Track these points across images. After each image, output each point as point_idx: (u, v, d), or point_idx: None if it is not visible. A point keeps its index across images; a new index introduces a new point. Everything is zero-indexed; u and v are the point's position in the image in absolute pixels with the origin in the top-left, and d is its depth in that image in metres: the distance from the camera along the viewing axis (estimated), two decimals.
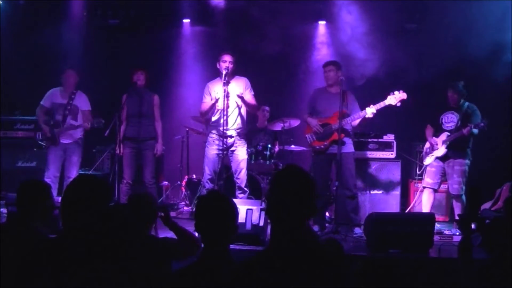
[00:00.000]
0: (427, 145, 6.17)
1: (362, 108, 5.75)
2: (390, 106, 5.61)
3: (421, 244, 4.89)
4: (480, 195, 5.35)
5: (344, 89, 5.76)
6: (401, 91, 5.58)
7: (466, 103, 5.97)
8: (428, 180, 6.07)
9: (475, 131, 5.70)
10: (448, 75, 6.42)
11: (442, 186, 6.22)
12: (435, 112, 6.11)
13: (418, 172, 6.43)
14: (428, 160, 6.10)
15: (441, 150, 5.93)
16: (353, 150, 5.90)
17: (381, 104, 5.59)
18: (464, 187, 5.89)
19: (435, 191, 6.08)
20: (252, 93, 5.92)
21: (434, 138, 6.05)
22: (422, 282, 4.48)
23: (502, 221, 4.98)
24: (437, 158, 5.99)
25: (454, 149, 5.89)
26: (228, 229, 2.33)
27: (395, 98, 5.58)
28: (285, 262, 2.00)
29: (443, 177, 6.06)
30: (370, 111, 5.59)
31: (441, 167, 6.01)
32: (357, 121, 5.73)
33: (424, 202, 6.07)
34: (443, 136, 5.96)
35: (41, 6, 7.82)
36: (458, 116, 5.93)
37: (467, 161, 5.93)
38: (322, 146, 5.80)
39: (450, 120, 6.00)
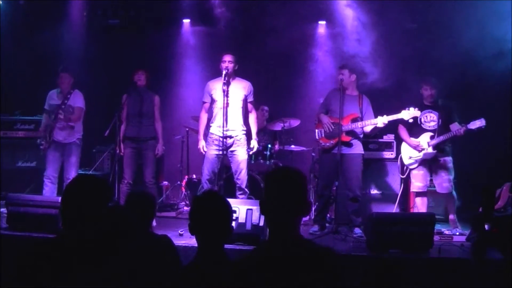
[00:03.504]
0: (404, 146, 6.04)
1: (375, 112, 5.79)
2: (402, 120, 5.62)
3: (421, 244, 4.88)
4: (494, 195, 5.34)
5: (360, 92, 5.86)
6: (416, 109, 5.59)
7: (440, 100, 5.89)
8: (418, 184, 5.97)
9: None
10: (448, 75, 6.41)
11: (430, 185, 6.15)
12: None
13: (402, 176, 6.28)
14: (413, 164, 5.97)
15: (429, 153, 5.83)
16: (362, 152, 5.88)
17: (393, 117, 5.62)
18: (452, 184, 5.88)
19: (425, 194, 6.02)
20: (251, 99, 5.94)
21: (414, 139, 5.92)
22: (422, 282, 4.48)
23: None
24: (423, 160, 5.90)
25: (439, 149, 5.83)
26: (223, 230, 2.33)
27: (408, 113, 5.59)
28: (278, 260, 2.01)
29: (430, 176, 5.99)
30: (381, 121, 5.60)
31: (428, 168, 5.94)
32: (370, 128, 5.74)
33: (419, 206, 6.00)
34: (426, 137, 5.86)
35: (41, 6, 7.82)
36: (437, 114, 5.86)
37: (451, 158, 5.89)
38: (328, 144, 5.81)
39: (430, 119, 5.89)
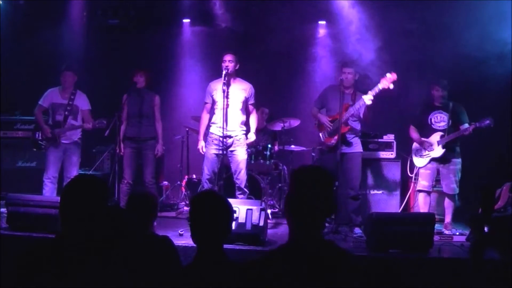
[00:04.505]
0: (415, 146, 6.07)
1: (376, 112, 5.82)
2: (384, 89, 5.60)
3: (421, 244, 4.89)
4: (493, 195, 5.33)
5: (355, 90, 5.86)
6: (392, 73, 5.57)
7: (451, 103, 5.92)
8: (423, 182, 5.98)
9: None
10: (449, 75, 6.41)
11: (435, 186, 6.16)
12: (420, 112, 6.06)
13: (410, 175, 6.30)
14: (422, 162, 5.99)
15: (438, 151, 5.84)
16: (361, 150, 5.91)
17: (375, 90, 5.59)
18: (458, 186, 5.89)
19: (429, 193, 6.04)
20: (252, 101, 5.95)
21: (425, 139, 5.95)
22: (422, 282, 4.48)
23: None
24: (432, 159, 5.92)
25: (449, 149, 5.85)
26: (221, 230, 2.31)
27: (387, 80, 5.57)
28: (302, 260, 2.00)
29: (436, 177, 6.01)
30: (367, 98, 5.59)
31: (435, 168, 5.95)
32: (362, 110, 5.72)
33: (421, 205, 6.01)
34: (436, 136, 5.89)
35: (41, 6, 7.82)
36: (447, 115, 5.88)
37: (460, 160, 5.92)
38: (333, 141, 5.81)
39: (440, 119, 5.93)
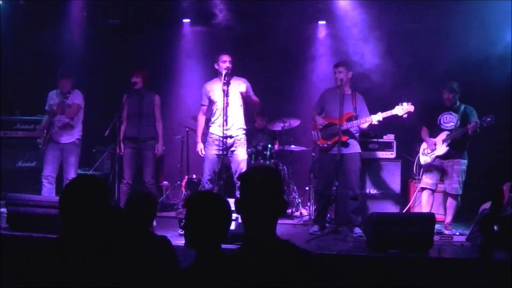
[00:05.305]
0: (424, 145, 6.13)
1: (370, 109, 5.80)
2: (396, 116, 5.64)
3: (421, 244, 4.88)
4: (502, 196, 5.33)
5: (353, 90, 5.87)
6: (409, 104, 5.62)
7: (463, 105, 5.96)
8: (427, 180, 6.03)
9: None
10: (449, 75, 6.42)
11: (439, 186, 6.19)
12: (431, 113, 6.09)
13: (415, 173, 6.37)
14: (427, 160, 6.05)
15: (442, 149, 5.90)
16: (360, 151, 5.91)
17: (388, 113, 5.64)
18: (462, 187, 5.90)
19: (433, 191, 6.07)
20: (251, 93, 5.93)
21: (432, 138, 6.02)
22: (422, 282, 4.48)
23: None
24: (436, 157, 5.96)
25: (454, 149, 5.88)
26: (220, 230, 2.30)
27: (402, 109, 5.61)
28: (255, 261, 2.00)
29: (441, 177, 6.05)
30: (375, 118, 5.64)
31: (440, 167, 5.99)
32: (366, 125, 5.76)
33: (424, 203, 6.04)
34: (443, 135, 5.94)
35: (41, 7, 7.82)
36: (456, 116, 5.93)
37: (466, 161, 5.93)
38: (325, 145, 5.83)
39: (449, 120, 5.98)
